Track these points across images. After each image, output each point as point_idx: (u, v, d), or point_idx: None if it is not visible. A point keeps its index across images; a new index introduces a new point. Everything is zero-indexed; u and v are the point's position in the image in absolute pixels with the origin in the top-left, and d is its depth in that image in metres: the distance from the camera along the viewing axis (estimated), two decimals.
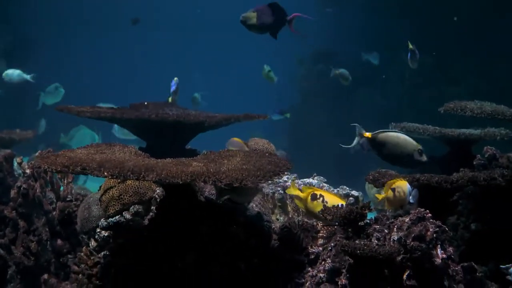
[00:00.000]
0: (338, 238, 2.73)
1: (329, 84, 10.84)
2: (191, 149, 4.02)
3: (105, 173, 2.38)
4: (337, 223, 2.74)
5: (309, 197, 2.83)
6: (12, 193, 3.70)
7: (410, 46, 5.45)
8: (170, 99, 4.77)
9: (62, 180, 3.83)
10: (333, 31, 11.73)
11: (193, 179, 2.36)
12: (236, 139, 3.72)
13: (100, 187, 3.40)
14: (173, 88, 4.82)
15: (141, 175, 2.36)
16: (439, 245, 2.54)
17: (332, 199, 2.78)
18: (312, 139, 10.84)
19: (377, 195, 2.89)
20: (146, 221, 3.03)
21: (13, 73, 7.81)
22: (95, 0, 18.05)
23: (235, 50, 18.23)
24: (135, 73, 18.32)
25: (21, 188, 3.61)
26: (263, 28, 3.97)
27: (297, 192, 2.89)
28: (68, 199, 3.74)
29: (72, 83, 13.20)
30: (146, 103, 4.16)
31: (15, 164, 4.28)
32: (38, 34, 13.88)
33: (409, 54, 5.50)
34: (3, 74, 7.83)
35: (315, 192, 2.85)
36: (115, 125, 7.17)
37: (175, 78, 4.83)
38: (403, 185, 2.73)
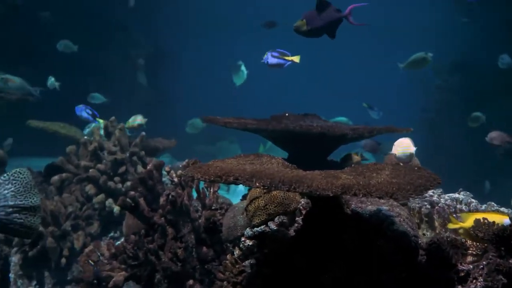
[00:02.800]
0: (490, 256, 2.64)
1: (465, 95, 10.55)
2: (333, 160, 4.02)
3: (257, 184, 2.41)
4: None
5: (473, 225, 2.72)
6: (161, 200, 3.86)
7: None
8: (296, 58, 4.80)
9: (208, 189, 3.95)
10: (470, 40, 11.41)
11: (344, 191, 2.34)
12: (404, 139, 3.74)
13: (244, 196, 3.48)
14: (287, 63, 4.84)
15: (292, 187, 2.38)
16: None
17: (496, 219, 2.67)
18: (446, 150, 10.56)
19: None
20: (291, 232, 3.06)
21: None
22: (231, 9, 18.43)
23: (372, 57, 18.07)
24: (268, 80, 18.48)
25: (170, 196, 3.75)
26: (317, 31, 3.97)
27: (460, 225, 2.79)
28: (213, 207, 3.84)
29: (205, 91, 13.62)
30: (287, 114, 4.20)
31: (163, 172, 4.47)
32: (174, 46, 14.41)
33: None
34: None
35: (477, 217, 2.73)
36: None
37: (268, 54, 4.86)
38: None
